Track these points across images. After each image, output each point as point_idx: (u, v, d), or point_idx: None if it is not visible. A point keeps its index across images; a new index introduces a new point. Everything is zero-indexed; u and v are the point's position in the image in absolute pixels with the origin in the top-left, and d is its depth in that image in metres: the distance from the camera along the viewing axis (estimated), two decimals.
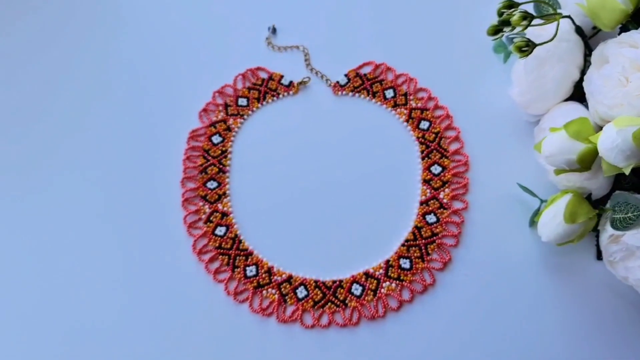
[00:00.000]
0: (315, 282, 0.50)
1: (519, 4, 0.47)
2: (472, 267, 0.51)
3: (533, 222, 0.51)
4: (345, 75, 0.58)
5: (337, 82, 0.57)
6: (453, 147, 0.55)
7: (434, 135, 0.55)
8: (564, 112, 0.49)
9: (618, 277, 0.48)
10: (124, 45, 0.60)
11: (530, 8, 0.50)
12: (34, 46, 0.60)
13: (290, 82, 0.57)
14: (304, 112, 0.56)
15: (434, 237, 0.51)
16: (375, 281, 0.50)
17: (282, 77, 0.57)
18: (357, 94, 0.57)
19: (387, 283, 0.50)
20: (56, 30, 0.61)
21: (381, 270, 0.50)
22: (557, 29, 0.47)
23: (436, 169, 0.54)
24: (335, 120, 0.56)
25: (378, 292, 0.50)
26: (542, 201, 0.51)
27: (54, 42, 0.60)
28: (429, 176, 0.54)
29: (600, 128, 0.45)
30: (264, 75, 0.58)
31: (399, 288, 0.50)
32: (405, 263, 0.51)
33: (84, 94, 0.58)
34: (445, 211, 0.52)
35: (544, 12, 0.51)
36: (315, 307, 0.49)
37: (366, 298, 0.50)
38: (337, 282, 0.50)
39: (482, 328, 0.49)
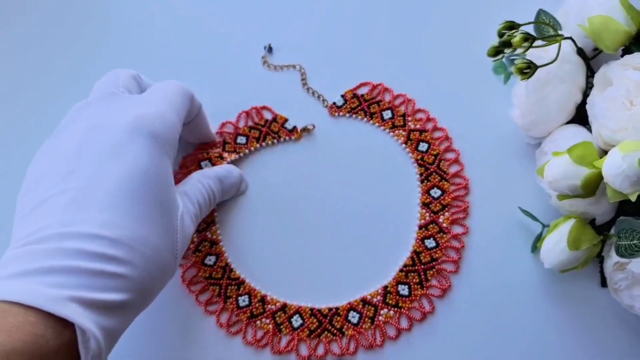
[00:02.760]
0: (311, 309, 0.49)
1: (519, 25, 0.46)
2: (472, 294, 0.49)
3: (535, 248, 0.50)
4: (342, 96, 0.56)
5: (334, 103, 0.56)
6: (453, 169, 0.53)
7: (433, 157, 0.54)
8: (566, 135, 0.48)
9: (623, 306, 0.46)
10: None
11: (530, 29, 0.49)
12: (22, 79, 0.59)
13: (294, 127, 0.55)
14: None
15: (434, 263, 0.50)
16: (372, 308, 0.48)
17: (286, 120, 0.55)
18: (354, 115, 0.55)
19: (385, 310, 0.48)
20: (42, 51, 0.59)
21: (379, 297, 0.49)
22: (558, 51, 0.46)
23: (436, 192, 0.52)
24: (332, 142, 0.54)
25: (376, 319, 0.48)
26: (544, 226, 0.49)
27: (39, 64, 0.59)
28: (428, 199, 0.52)
29: (604, 152, 0.44)
30: (268, 115, 0.56)
31: (397, 315, 0.48)
32: (403, 289, 0.49)
33: None
34: (445, 236, 0.51)
35: (545, 33, 0.50)
36: (311, 336, 0.48)
37: (363, 326, 0.48)
38: (334, 310, 0.49)
39: (483, 358, 0.47)
